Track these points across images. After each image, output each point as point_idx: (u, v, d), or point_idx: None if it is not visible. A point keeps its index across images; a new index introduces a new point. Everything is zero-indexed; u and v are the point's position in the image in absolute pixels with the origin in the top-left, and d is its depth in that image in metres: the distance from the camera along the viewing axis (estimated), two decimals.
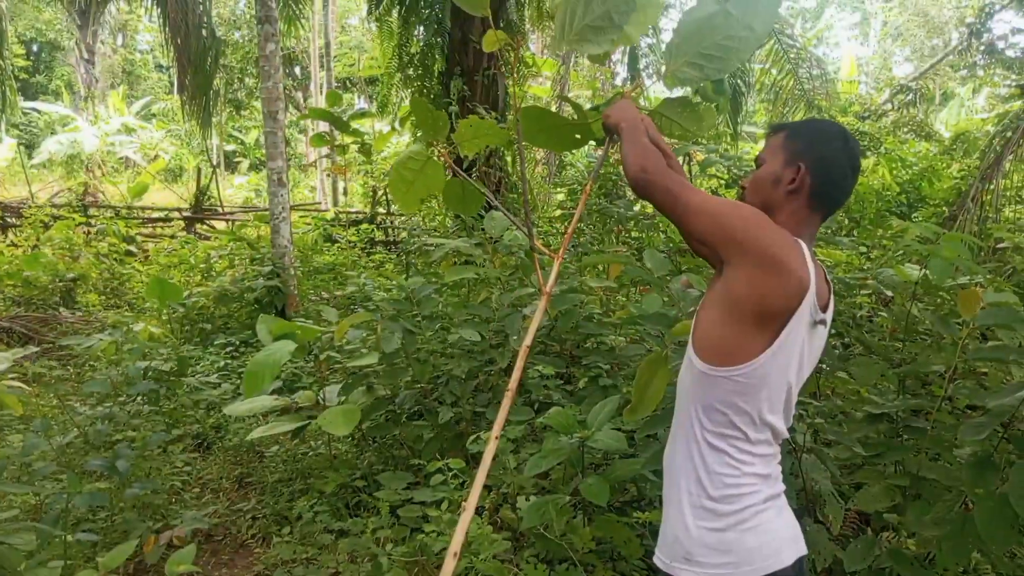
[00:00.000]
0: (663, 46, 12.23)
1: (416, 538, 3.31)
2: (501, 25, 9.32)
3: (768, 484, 1.66)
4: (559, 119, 2.37)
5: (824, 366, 3.72)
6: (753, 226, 1.59)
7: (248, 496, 4.42)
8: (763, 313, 1.57)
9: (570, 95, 14.73)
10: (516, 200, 10.00)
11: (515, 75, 2.93)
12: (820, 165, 1.68)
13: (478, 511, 3.23)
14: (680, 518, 1.66)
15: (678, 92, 2.40)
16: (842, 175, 1.70)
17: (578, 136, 2.38)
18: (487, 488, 3.41)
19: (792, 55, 11.95)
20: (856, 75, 27.13)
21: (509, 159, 10.54)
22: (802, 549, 1.67)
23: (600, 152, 2.29)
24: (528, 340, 1.88)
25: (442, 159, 2.29)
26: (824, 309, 1.68)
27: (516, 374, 1.81)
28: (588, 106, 2.43)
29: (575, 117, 2.40)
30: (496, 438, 1.71)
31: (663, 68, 2.17)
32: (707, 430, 1.64)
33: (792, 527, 1.68)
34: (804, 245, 1.63)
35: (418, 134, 10.61)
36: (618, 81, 19.07)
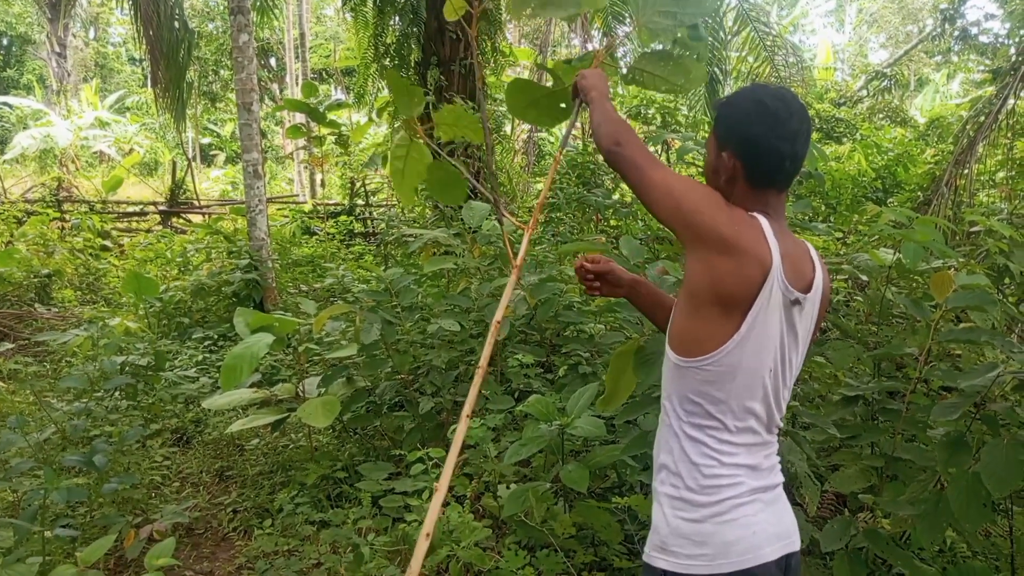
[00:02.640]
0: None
1: (398, 528, 3.31)
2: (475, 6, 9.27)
3: (755, 476, 1.60)
4: (543, 89, 2.34)
5: None
6: (705, 206, 1.54)
7: (229, 489, 4.41)
8: (723, 298, 1.52)
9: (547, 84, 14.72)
10: (494, 190, 9.99)
11: (493, 64, 2.91)
12: (745, 148, 1.60)
13: (459, 500, 3.23)
14: (659, 508, 1.63)
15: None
16: (772, 149, 1.58)
17: (563, 105, 2.34)
18: (468, 476, 3.42)
19: (768, 42, 11.98)
20: (832, 62, 27.30)
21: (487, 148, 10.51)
22: (792, 546, 1.62)
23: (568, 123, 2.25)
24: (499, 315, 1.87)
25: (422, 139, 2.27)
26: (806, 288, 1.62)
27: (487, 350, 1.81)
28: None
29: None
30: (468, 416, 1.71)
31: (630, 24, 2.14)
32: (684, 421, 1.61)
33: (781, 523, 1.62)
34: (765, 222, 1.56)
35: (397, 125, 10.56)
36: (590, 46, 19.08)
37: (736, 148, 1.60)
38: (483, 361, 1.80)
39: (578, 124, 2.36)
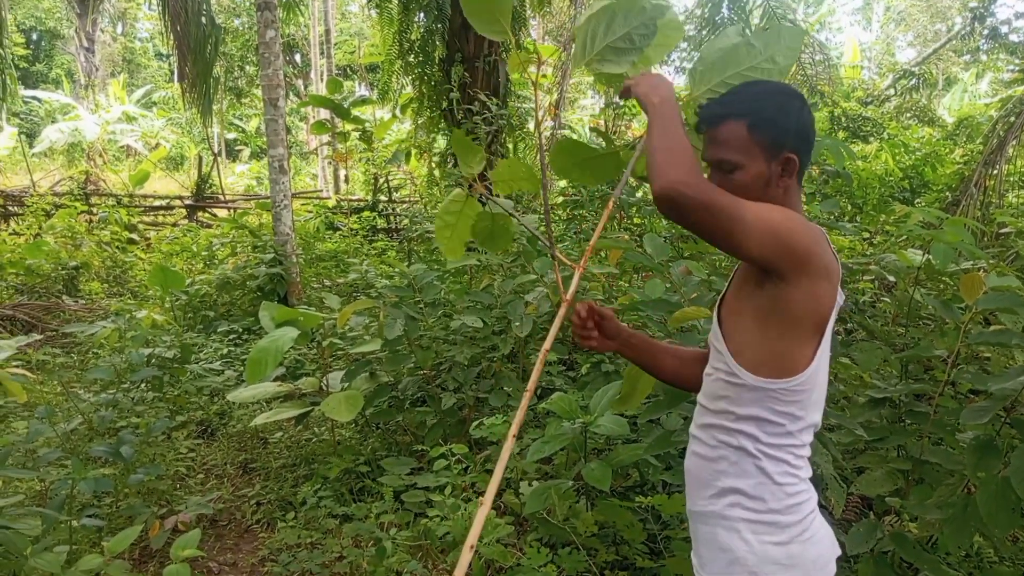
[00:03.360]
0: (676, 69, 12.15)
1: (420, 523, 3.32)
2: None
3: (812, 487, 1.58)
4: (590, 151, 2.34)
5: None
6: (803, 235, 1.42)
7: (252, 482, 4.44)
8: (820, 320, 1.48)
9: (571, 81, 14.67)
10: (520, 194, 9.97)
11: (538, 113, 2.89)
12: (801, 140, 1.53)
13: (481, 495, 3.24)
14: (736, 535, 1.53)
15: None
16: (814, 133, 1.56)
17: (610, 167, 2.36)
18: (490, 473, 3.42)
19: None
20: (859, 60, 27.02)
21: (511, 146, 10.52)
22: (838, 549, 1.60)
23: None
24: (548, 345, 1.88)
25: (481, 195, 2.28)
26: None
27: (535, 376, 1.81)
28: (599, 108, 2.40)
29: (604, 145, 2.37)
30: (514, 436, 1.71)
31: (685, 92, 2.12)
32: (763, 442, 1.52)
33: (830, 529, 1.60)
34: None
35: (420, 122, 10.56)
36: None
37: (794, 145, 1.52)
38: (531, 385, 1.80)
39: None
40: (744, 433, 1.53)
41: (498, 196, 2.45)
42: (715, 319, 1.64)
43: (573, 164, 2.30)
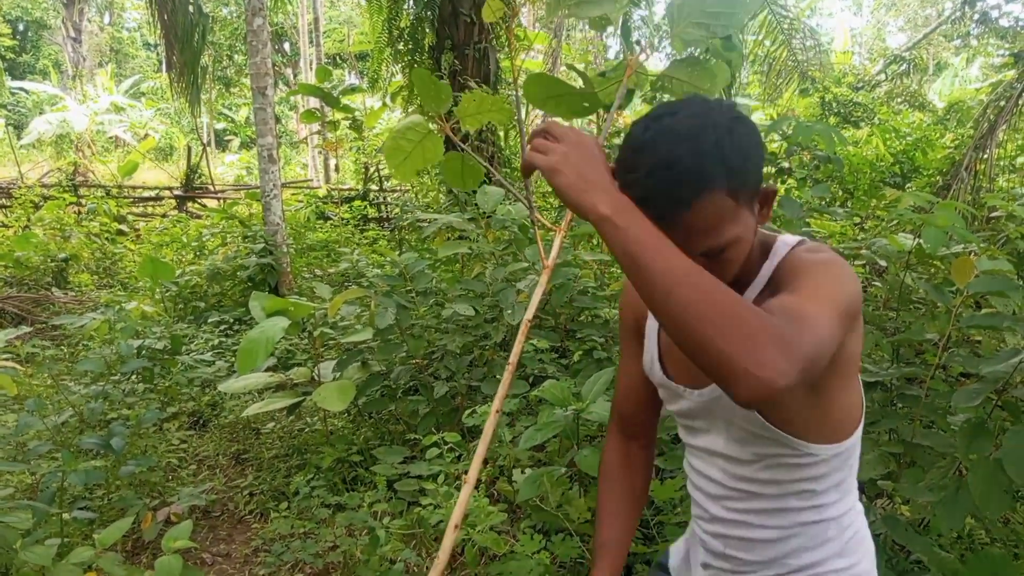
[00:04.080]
0: (656, 18, 12.14)
1: (413, 511, 3.32)
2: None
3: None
4: (566, 86, 2.32)
5: None
6: (856, 290, 1.18)
7: (245, 472, 4.43)
8: (860, 353, 1.30)
9: (561, 68, 14.62)
10: (509, 175, 9.96)
11: (511, 47, 2.88)
12: (758, 172, 1.18)
13: (475, 485, 3.24)
14: None
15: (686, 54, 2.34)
16: (754, 152, 1.16)
17: (586, 104, 2.33)
18: (484, 461, 3.42)
19: (786, 26, 11.86)
20: (850, 46, 27.02)
21: (502, 134, 10.48)
22: None
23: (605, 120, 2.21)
24: (530, 313, 1.85)
25: (442, 133, 2.25)
26: None
27: (517, 347, 1.79)
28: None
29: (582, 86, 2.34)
30: (497, 411, 1.69)
31: (659, 38, 2.10)
32: (840, 501, 1.37)
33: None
34: None
35: (411, 110, 10.52)
36: (611, 55, 18.95)
37: (758, 182, 1.19)
38: (514, 357, 1.78)
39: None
40: (827, 504, 1.35)
41: (466, 132, 2.42)
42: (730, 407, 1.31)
43: (547, 96, 2.28)
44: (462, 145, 2.23)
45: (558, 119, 1.53)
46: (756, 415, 1.27)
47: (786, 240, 1.31)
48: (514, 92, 2.21)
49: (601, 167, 1.08)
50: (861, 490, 3.21)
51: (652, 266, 0.97)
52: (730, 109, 1.14)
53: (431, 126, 2.24)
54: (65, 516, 3.20)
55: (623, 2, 2.21)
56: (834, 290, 1.12)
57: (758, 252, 1.28)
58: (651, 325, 1.50)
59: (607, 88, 2.16)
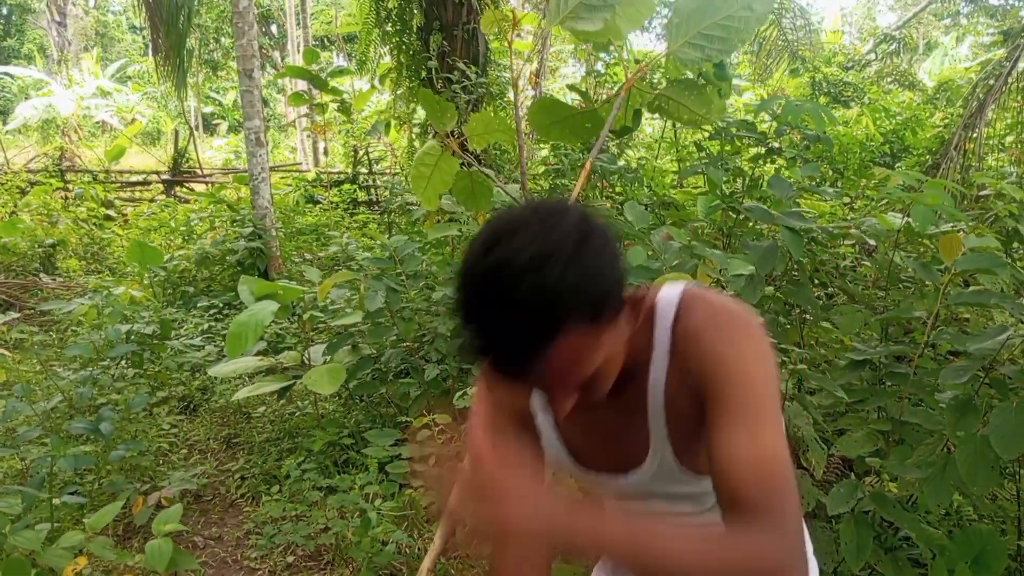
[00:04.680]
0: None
1: (404, 493, 3.33)
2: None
3: None
4: (569, 109, 2.32)
5: (807, 316, 3.74)
6: (773, 364, 1.09)
7: (236, 456, 4.43)
8: None
9: (551, 50, 14.55)
10: (500, 158, 9.92)
11: (508, 40, 2.84)
12: (618, 286, 1.01)
13: None
14: None
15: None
16: (609, 269, 0.98)
17: (589, 125, 2.35)
18: None
19: (776, 5, 11.82)
20: (840, 25, 26.98)
21: (492, 115, 10.43)
22: None
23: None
24: None
25: (455, 153, 2.26)
26: None
27: None
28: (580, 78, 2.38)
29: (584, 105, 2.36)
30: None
31: (665, 44, 2.10)
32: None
33: None
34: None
35: (399, 92, 10.46)
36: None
37: (622, 288, 1.02)
38: None
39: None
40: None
41: (475, 151, 2.45)
42: (672, 467, 1.19)
43: (552, 122, 2.28)
44: (470, 158, 2.25)
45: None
46: (687, 472, 1.19)
47: (667, 297, 1.15)
48: (510, 80, 2.19)
49: (511, 490, 0.95)
50: (849, 467, 3.24)
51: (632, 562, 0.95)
52: (575, 225, 0.95)
53: (443, 147, 2.26)
54: (55, 501, 3.20)
55: (625, 23, 2.20)
56: (768, 391, 1.05)
57: (642, 321, 1.15)
58: (544, 421, 1.31)
59: (609, 108, 2.18)
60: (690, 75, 2.42)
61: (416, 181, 2.35)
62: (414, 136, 11.25)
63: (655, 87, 2.46)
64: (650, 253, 3.29)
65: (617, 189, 7.08)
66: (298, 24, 22.80)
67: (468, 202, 2.47)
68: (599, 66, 9.73)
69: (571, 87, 5.33)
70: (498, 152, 9.92)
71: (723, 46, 2.10)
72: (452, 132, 2.26)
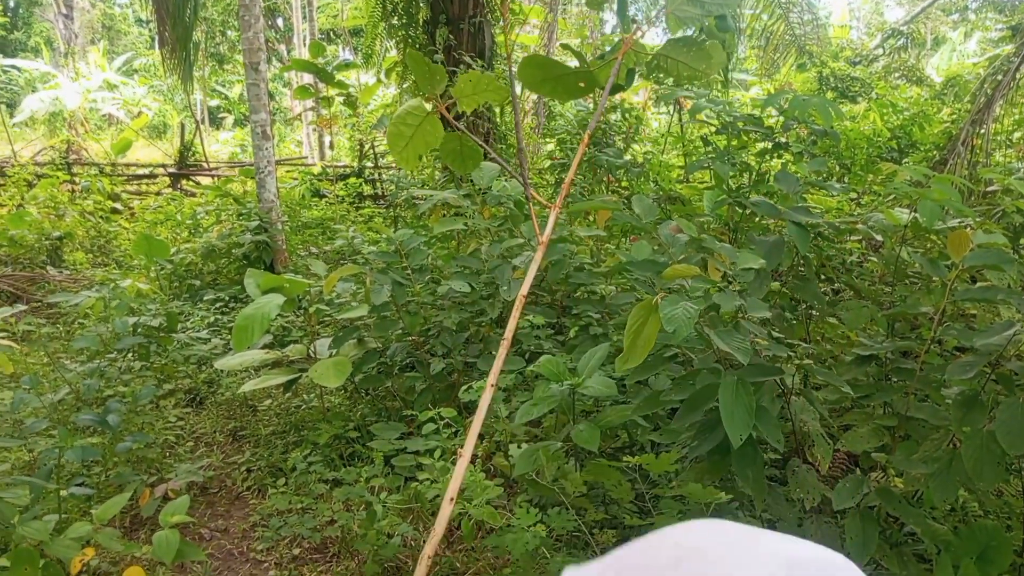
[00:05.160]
0: None
1: (410, 486, 3.33)
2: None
3: None
4: (562, 68, 2.30)
5: (813, 311, 3.74)
6: None
7: (242, 449, 4.44)
8: None
9: (558, 43, 14.51)
10: (505, 151, 9.91)
11: (506, 22, 2.84)
12: None
13: (472, 459, 3.25)
14: None
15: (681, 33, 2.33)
16: None
17: (582, 84, 2.32)
18: (480, 437, 3.43)
19: (783, 0, 11.77)
20: (847, 20, 26.85)
21: (498, 110, 10.42)
22: None
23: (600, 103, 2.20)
24: (524, 289, 1.85)
25: (439, 114, 2.23)
26: None
27: (512, 323, 1.79)
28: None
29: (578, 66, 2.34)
30: (492, 386, 1.70)
31: (658, 10, 2.08)
32: None
33: None
34: None
35: (405, 86, 10.44)
36: (607, 29, 18.81)
37: None
38: (509, 332, 1.77)
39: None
40: None
41: (465, 114, 2.42)
42: None
43: (543, 78, 2.26)
44: (458, 126, 2.22)
45: None
46: None
47: None
48: (508, 68, 2.19)
49: None
50: (855, 463, 3.23)
51: None
52: None
53: (428, 107, 2.23)
54: (63, 492, 3.21)
55: None
56: None
57: None
58: None
59: (605, 69, 2.15)
60: (690, 32, 2.38)
61: (395, 140, 2.30)
62: None
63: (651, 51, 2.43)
64: (657, 247, 3.29)
65: (623, 183, 7.07)
66: (304, 17, 22.79)
67: (456, 164, 2.45)
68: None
69: (564, 46, 5.31)
70: (491, 114, 9.88)
71: (723, 0, 2.08)
72: (440, 97, 2.24)
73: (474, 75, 2.31)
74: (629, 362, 2.35)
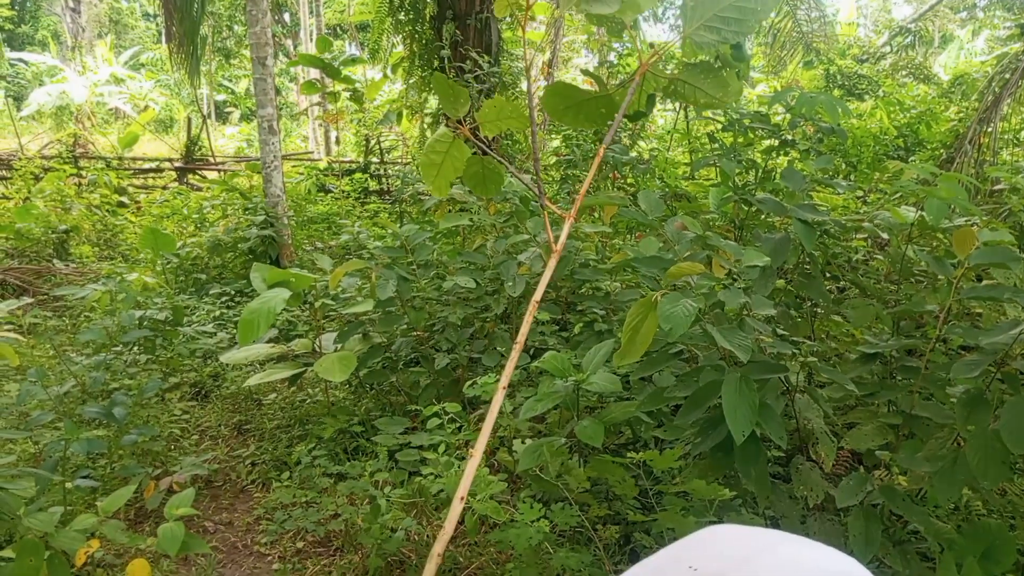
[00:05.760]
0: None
1: (414, 481, 3.34)
2: None
3: None
4: (583, 94, 2.31)
5: (819, 309, 3.73)
6: None
7: (247, 443, 4.46)
8: None
9: (564, 40, 14.49)
10: (512, 148, 9.91)
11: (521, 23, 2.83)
12: None
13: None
14: None
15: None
16: None
17: (603, 110, 2.33)
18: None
19: None
20: (855, 17, 26.75)
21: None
22: None
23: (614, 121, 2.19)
24: (538, 296, 1.85)
25: (467, 139, 2.24)
26: None
27: (525, 327, 1.79)
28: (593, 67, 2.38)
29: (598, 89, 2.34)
30: (504, 388, 1.70)
31: (671, 25, 2.09)
32: None
33: None
34: None
35: (411, 81, 10.43)
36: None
37: None
38: (521, 338, 1.78)
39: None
40: None
41: (487, 139, 2.44)
42: None
43: (565, 107, 2.27)
44: (483, 146, 2.23)
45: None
46: None
47: None
48: (523, 70, 2.19)
49: None
50: (859, 461, 3.23)
51: None
52: None
53: (452, 134, 2.25)
54: (68, 484, 3.23)
55: (636, 4, 2.19)
56: None
57: None
58: None
59: (625, 94, 2.16)
60: (707, 58, 2.40)
61: (427, 169, 2.34)
62: (426, 125, 11.24)
63: (669, 73, 2.44)
64: (662, 244, 3.29)
65: (629, 180, 7.06)
66: (311, 12, 22.79)
67: (479, 188, 2.47)
68: (612, 57, 9.69)
69: (584, 71, 5.31)
70: (510, 143, 9.90)
71: (739, 27, 2.09)
72: (463, 119, 2.26)
73: (498, 101, 2.33)
74: (627, 358, 2.35)
